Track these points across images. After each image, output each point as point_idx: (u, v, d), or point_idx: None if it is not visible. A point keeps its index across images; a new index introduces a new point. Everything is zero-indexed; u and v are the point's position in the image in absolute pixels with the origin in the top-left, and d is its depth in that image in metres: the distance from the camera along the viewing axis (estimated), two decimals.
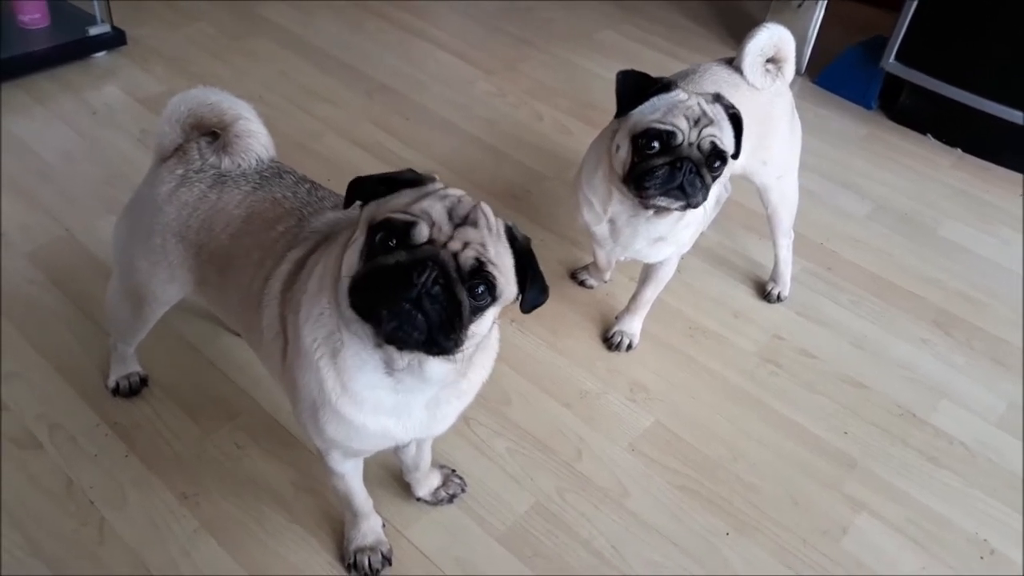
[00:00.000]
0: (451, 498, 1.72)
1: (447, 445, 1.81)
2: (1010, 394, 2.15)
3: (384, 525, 1.63)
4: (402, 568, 1.61)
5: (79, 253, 2.22)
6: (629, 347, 2.14)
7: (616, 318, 2.18)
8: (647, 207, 1.75)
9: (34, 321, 2.01)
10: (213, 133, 1.50)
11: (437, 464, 1.74)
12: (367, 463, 1.51)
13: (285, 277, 1.32)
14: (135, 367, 1.87)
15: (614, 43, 3.64)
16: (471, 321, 1.11)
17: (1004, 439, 2.02)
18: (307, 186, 1.47)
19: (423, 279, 1.05)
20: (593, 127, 2.75)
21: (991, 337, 2.32)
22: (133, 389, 1.86)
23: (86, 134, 2.69)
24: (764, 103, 2.01)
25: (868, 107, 3.35)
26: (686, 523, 1.75)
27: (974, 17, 2.93)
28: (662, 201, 1.69)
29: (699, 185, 1.67)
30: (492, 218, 1.14)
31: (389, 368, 1.20)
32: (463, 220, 1.11)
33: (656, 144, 1.65)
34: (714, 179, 1.70)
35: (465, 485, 1.75)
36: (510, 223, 1.18)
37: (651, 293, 2.08)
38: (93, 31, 3.00)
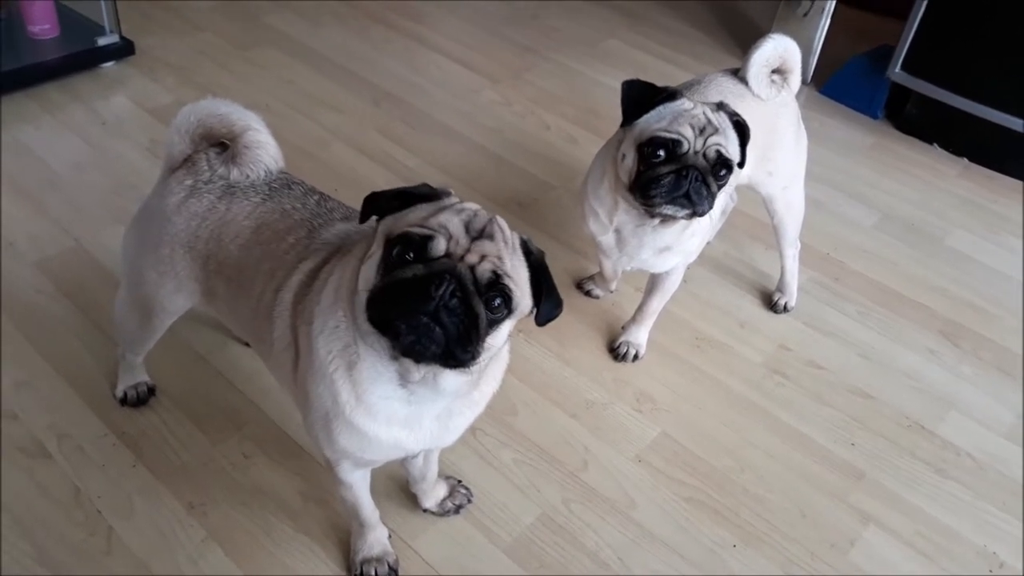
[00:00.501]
0: (457, 509, 1.72)
1: (454, 456, 1.81)
2: (1018, 405, 2.14)
3: (390, 536, 1.63)
4: None
5: (88, 263, 2.23)
6: (635, 357, 2.14)
7: (622, 328, 2.18)
8: (653, 216, 1.75)
9: (43, 331, 2.02)
10: (222, 144, 1.51)
11: (443, 475, 1.74)
12: (374, 474, 1.51)
13: (297, 288, 1.32)
14: (143, 377, 1.87)
15: (619, 52, 3.65)
16: (488, 333, 1.11)
17: (1012, 450, 2.01)
18: (316, 197, 1.48)
19: (441, 292, 1.05)
20: (598, 136, 2.76)
21: (999, 347, 2.31)
22: (141, 399, 1.86)
23: (95, 144, 2.70)
24: (770, 114, 2.01)
25: (874, 116, 3.35)
26: (692, 534, 1.74)
27: (981, 26, 2.93)
28: (668, 210, 1.69)
29: (705, 193, 1.67)
30: (508, 231, 1.14)
31: (404, 380, 1.20)
32: (479, 233, 1.11)
33: (662, 152, 1.65)
34: (720, 187, 1.70)
35: (471, 496, 1.75)
36: (525, 236, 1.18)
37: (657, 303, 2.08)
38: (102, 41, 3.02)
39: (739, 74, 2.00)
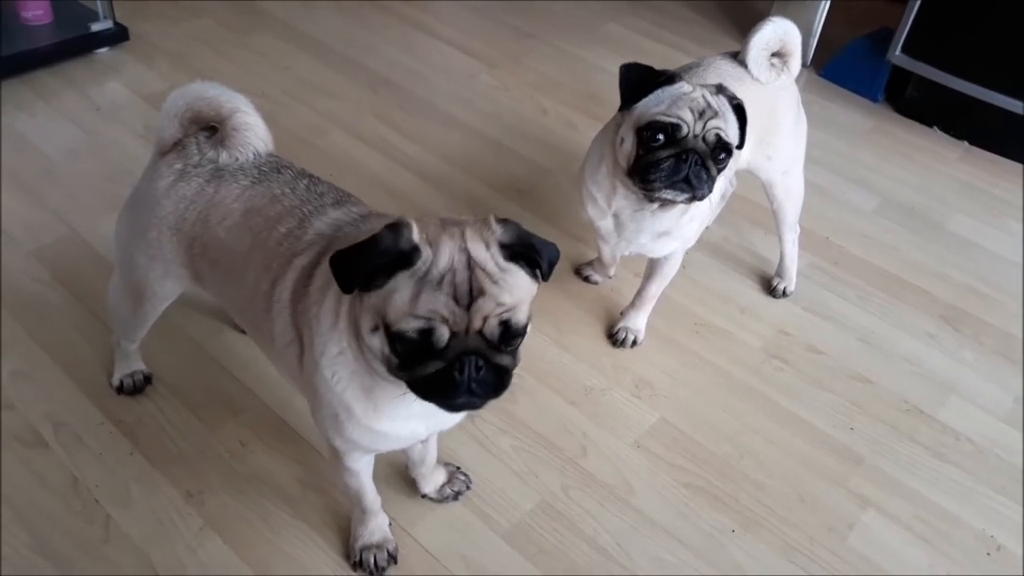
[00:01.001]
0: (456, 495, 1.72)
1: (452, 442, 1.81)
2: (1018, 390, 2.13)
3: (390, 523, 1.63)
4: (407, 566, 1.60)
5: (83, 251, 2.22)
6: (634, 343, 2.13)
7: (621, 314, 2.17)
8: (652, 200, 1.74)
9: (39, 319, 2.01)
10: (212, 128, 1.49)
11: (442, 461, 1.73)
12: (374, 461, 1.51)
13: (293, 286, 1.31)
14: (139, 365, 1.87)
15: (618, 36, 3.62)
16: (515, 365, 1.16)
17: (1012, 435, 2.01)
18: (305, 181, 1.45)
19: (466, 375, 1.09)
20: (597, 121, 2.73)
21: (999, 332, 2.30)
22: (137, 387, 1.86)
23: (89, 130, 2.68)
24: (769, 97, 2.00)
25: (874, 100, 3.33)
26: (692, 520, 1.74)
27: (981, 8, 2.90)
28: (667, 194, 1.68)
29: (705, 177, 1.66)
30: (490, 261, 1.10)
31: None
32: (471, 297, 1.07)
33: (661, 136, 1.64)
34: (719, 171, 1.69)
35: (470, 482, 1.75)
36: (505, 238, 1.12)
37: (656, 289, 2.07)
38: (96, 27, 2.99)
39: (739, 57, 1.98)
